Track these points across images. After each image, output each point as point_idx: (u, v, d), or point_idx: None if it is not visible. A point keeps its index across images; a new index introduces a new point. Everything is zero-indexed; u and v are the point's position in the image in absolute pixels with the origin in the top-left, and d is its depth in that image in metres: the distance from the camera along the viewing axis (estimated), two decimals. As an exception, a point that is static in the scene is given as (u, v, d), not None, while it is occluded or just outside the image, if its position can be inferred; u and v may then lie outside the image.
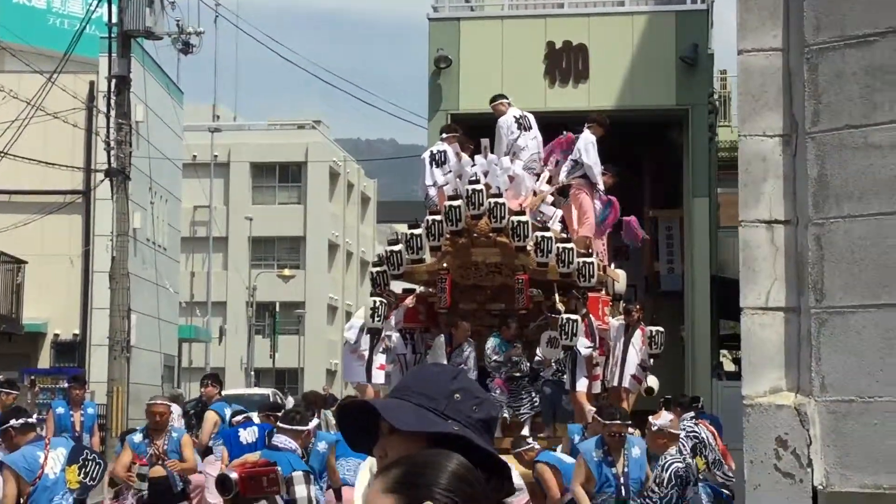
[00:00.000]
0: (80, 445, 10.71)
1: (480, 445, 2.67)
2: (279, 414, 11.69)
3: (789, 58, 5.78)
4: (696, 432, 13.20)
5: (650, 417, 10.82)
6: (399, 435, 2.68)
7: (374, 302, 15.02)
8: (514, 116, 16.27)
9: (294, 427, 9.68)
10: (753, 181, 5.77)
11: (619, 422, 10.83)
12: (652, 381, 16.60)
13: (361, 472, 6.32)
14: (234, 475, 3.44)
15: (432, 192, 16.07)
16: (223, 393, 18.01)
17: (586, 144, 16.38)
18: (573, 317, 14.35)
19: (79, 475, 9.14)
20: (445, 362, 14.45)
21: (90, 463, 9.35)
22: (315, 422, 11.56)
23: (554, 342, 14.52)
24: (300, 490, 8.02)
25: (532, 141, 16.22)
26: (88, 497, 10.44)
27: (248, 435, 12.14)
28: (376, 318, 14.99)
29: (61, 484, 9.15)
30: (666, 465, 9.79)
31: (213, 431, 14.89)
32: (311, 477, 9.06)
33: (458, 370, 3.02)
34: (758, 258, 5.75)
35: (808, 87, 5.64)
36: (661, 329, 16.31)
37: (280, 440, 9.41)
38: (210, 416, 15.32)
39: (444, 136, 16.84)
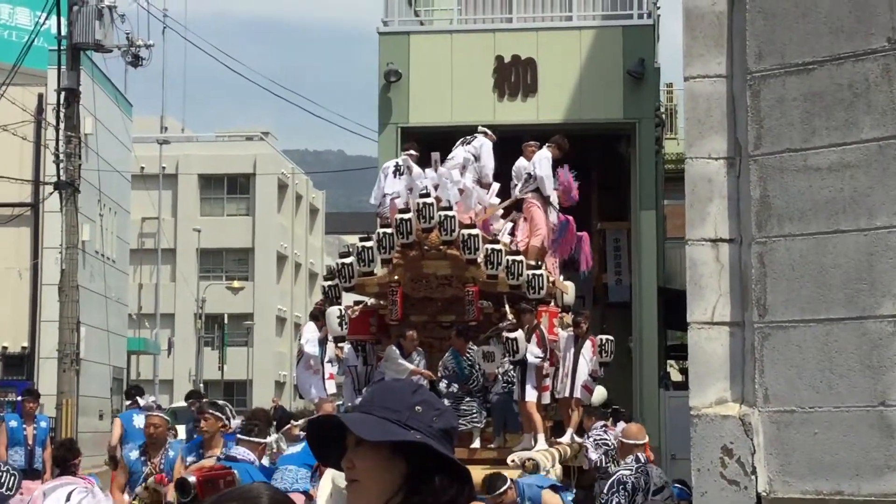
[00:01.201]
0: None
1: (442, 452, 2.86)
2: (205, 400, 11.96)
3: (733, 84, 6.05)
4: (606, 439, 13.63)
5: (615, 429, 11.18)
6: (365, 446, 2.86)
7: (339, 311, 15.15)
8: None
9: (252, 439, 9.82)
10: (699, 201, 6.03)
11: None
12: (600, 393, 16.80)
13: (324, 480, 6.51)
14: (192, 478, 3.57)
15: (389, 201, 16.21)
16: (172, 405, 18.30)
17: (541, 159, 16.61)
18: (513, 335, 14.51)
19: None
20: (403, 360, 14.65)
21: (3, 475, 9.45)
22: (274, 436, 11.66)
23: (489, 356, 14.77)
24: None
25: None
26: None
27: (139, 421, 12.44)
28: (344, 326, 15.12)
29: None
30: (614, 472, 10.02)
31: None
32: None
33: (419, 385, 3.23)
34: (704, 275, 6.01)
35: (750, 112, 5.92)
36: (610, 338, 16.55)
37: (239, 451, 9.55)
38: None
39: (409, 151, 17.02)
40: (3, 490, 9.21)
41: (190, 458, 9.96)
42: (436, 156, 16.21)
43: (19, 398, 20.23)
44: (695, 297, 6.01)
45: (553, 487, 9.59)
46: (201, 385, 53.18)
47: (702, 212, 6.03)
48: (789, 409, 5.74)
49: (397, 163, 16.70)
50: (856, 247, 5.67)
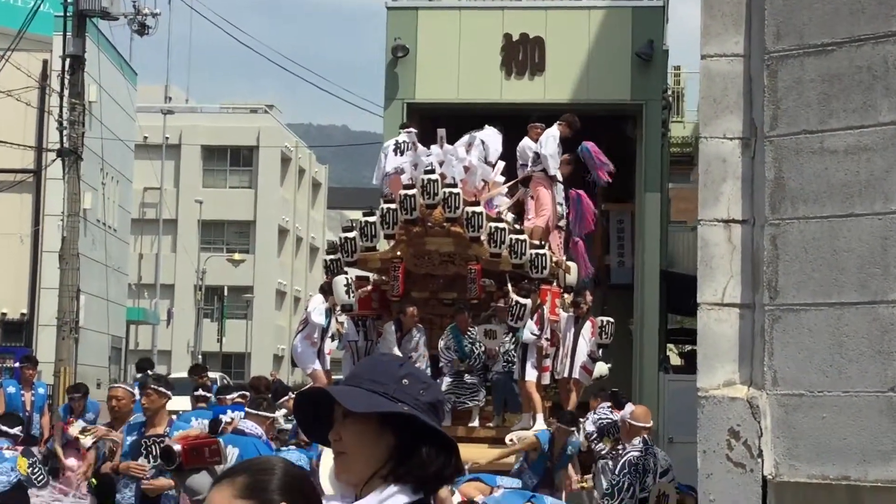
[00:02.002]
0: (32, 451, 10.74)
1: (429, 424, 2.86)
2: (149, 373, 11.96)
3: (750, 64, 5.98)
4: (611, 418, 13.70)
5: (622, 411, 11.20)
6: (352, 418, 2.87)
7: (346, 279, 15.11)
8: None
9: (260, 413, 9.77)
10: (713, 182, 5.98)
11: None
12: (602, 368, 16.76)
13: (324, 458, 6.43)
14: (177, 447, 3.59)
15: (390, 176, 16.13)
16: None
17: (547, 138, 16.56)
18: (522, 300, 14.52)
19: (27, 469, 9.48)
20: (396, 348, 14.60)
21: (38, 469, 9.73)
22: (282, 411, 11.57)
23: (491, 334, 14.75)
24: None
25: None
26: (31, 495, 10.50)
27: None
28: (351, 294, 15.08)
29: (11, 460, 9.47)
30: (624, 453, 10.02)
31: None
32: None
33: (405, 359, 3.23)
34: (715, 256, 5.96)
35: (767, 92, 5.85)
36: (611, 319, 16.50)
37: (246, 425, 9.51)
38: None
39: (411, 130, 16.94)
40: (34, 479, 9.55)
41: (130, 439, 9.27)
42: (441, 132, 16.14)
43: (18, 365, 20.20)
44: (705, 278, 5.96)
45: (532, 500, 9.55)
46: (200, 357, 53.23)
47: (715, 192, 5.97)
48: (798, 392, 5.70)
49: (397, 141, 16.63)
50: (870, 231, 5.61)
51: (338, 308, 15.60)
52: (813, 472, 5.64)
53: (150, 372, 18.01)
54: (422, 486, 2.86)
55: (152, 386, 9.32)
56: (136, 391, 10.48)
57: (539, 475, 12.64)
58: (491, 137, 16.29)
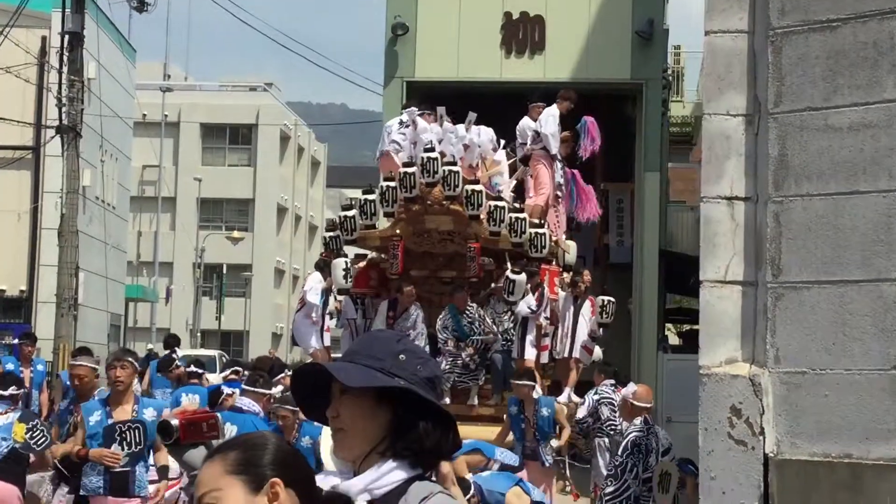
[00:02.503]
0: (33, 414, 10.22)
1: (427, 398, 2.85)
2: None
3: (754, 40, 5.95)
4: (612, 398, 13.70)
5: (623, 390, 11.17)
6: (350, 394, 2.85)
7: (345, 263, 15.08)
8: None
9: (257, 390, 9.74)
10: (716, 158, 5.95)
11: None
12: (596, 352, 16.77)
13: (324, 436, 6.43)
14: (175, 421, 3.58)
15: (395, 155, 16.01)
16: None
17: (547, 117, 16.54)
18: (513, 276, 14.55)
19: (25, 434, 9.01)
20: (384, 328, 14.59)
21: (38, 431, 9.21)
22: (279, 388, 11.50)
23: (489, 317, 14.84)
24: None
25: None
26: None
27: None
28: (348, 279, 15.06)
29: (7, 427, 8.99)
30: (627, 433, 10.03)
31: None
32: None
33: (403, 335, 3.20)
34: (718, 233, 5.93)
35: (771, 69, 5.82)
36: (611, 299, 16.51)
37: (244, 402, 9.48)
38: None
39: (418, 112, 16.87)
40: (33, 444, 9.07)
41: (93, 419, 8.72)
42: (441, 110, 16.09)
43: (16, 341, 20.21)
44: (708, 256, 5.93)
45: (519, 485, 9.52)
46: (199, 335, 53.27)
47: (718, 169, 5.94)
48: (800, 370, 5.68)
49: (401, 119, 16.56)
50: (874, 208, 5.59)
51: (334, 287, 15.58)
52: (815, 450, 5.63)
53: (176, 350, 17.99)
54: (419, 461, 2.85)
55: (128, 359, 9.01)
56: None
57: (519, 438, 12.67)
58: (483, 136, 16.18)
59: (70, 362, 11.42)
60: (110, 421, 8.73)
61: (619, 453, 9.87)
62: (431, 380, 2.91)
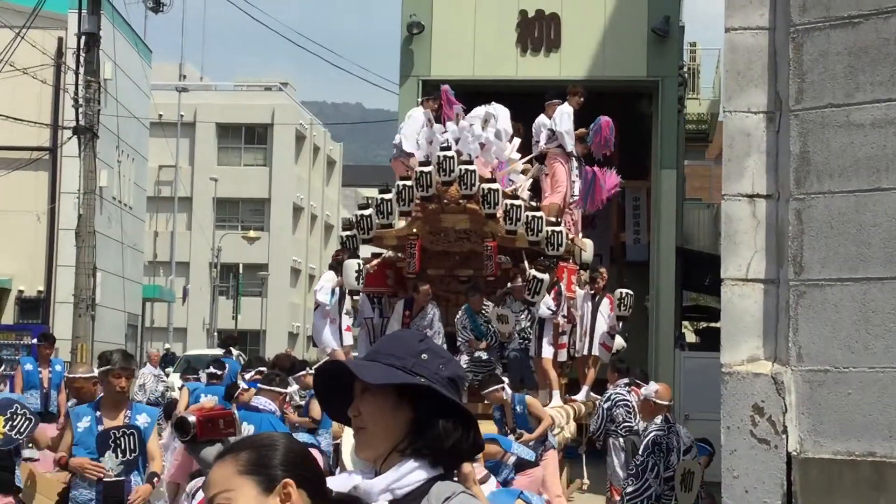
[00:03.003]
0: (11, 400, 9.79)
1: (448, 397, 2.84)
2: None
3: (775, 37, 5.92)
4: (626, 399, 13.59)
5: (644, 389, 11.09)
6: (371, 393, 2.85)
7: (358, 264, 15.04)
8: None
9: (273, 388, 9.74)
10: (737, 156, 5.92)
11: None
12: (619, 341, 16.68)
13: (346, 435, 6.44)
14: (192, 418, 3.56)
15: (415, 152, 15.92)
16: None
17: (561, 115, 16.50)
18: (539, 275, 14.49)
19: (4, 427, 8.70)
20: (400, 326, 14.57)
21: (19, 417, 8.88)
22: (294, 387, 11.50)
23: (503, 319, 14.70)
24: None
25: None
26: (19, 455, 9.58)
27: None
28: (360, 281, 15.02)
29: None
30: (647, 432, 9.96)
31: None
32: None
33: (424, 334, 3.19)
34: (739, 231, 5.90)
35: (792, 65, 5.79)
36: (630, 292, 16.43)
37: (260, 401, 9.49)
38: None
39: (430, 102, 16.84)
40: (14, 434, 8.77)
41: (82, 425, 8.30)
42: (458, 108, 16.07)
43: (35, 342, 20.25)
44: (729, 254, 5.91)
45: (520, 497, 9.43)
46: (215, 334, 53.34)
47: (739, 166, 5.92)
48: (823, 368, 5.65)
49: (428, 117, 16.52)
50: (897, 205, 5.56)
51: (347, 288, 15.55)
52: (838, 448, 5.61)
53: (233, 350, 17.73)
54: (440, 461, 2.84)
55: (133, 367, 8.74)
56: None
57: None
58: (500, 113, 16.20)
59: (67, 375, 11.16)
60: (101, 428, 8.33)
61: (640, 452, 9.82)
62: (453, 379, 2.90)
